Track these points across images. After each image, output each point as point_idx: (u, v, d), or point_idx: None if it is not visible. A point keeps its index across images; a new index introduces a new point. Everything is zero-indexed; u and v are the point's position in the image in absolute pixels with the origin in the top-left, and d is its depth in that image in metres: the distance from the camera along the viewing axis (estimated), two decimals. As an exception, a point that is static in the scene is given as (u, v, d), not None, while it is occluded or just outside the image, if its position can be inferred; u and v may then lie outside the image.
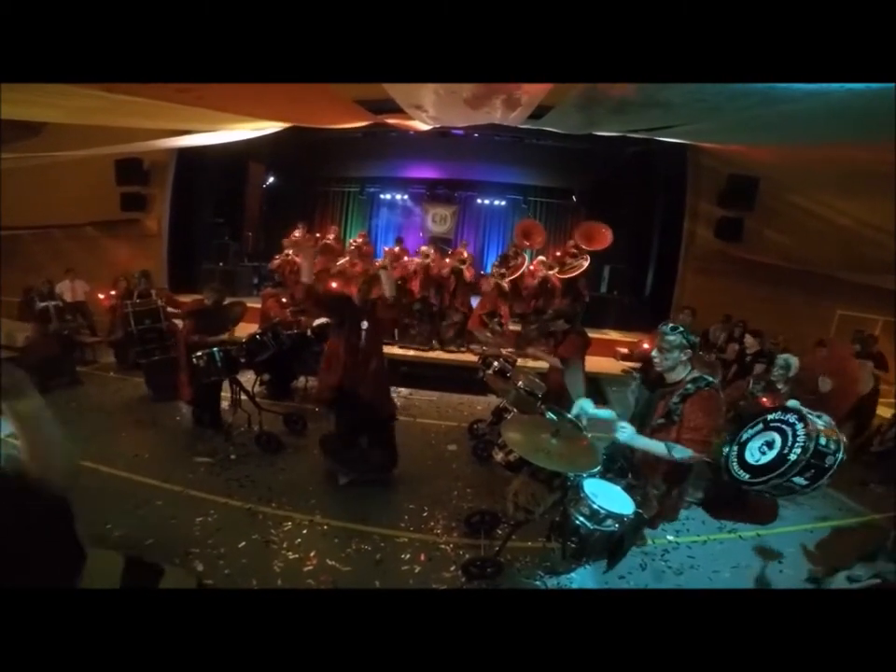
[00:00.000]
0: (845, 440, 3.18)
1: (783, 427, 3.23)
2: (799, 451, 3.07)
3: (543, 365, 4.65)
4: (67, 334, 6.34)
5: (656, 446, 2.41)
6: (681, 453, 2.35)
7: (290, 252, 8.44)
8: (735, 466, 3.34)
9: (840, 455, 3.12)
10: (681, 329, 2.49)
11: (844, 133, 4.25)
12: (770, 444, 3.21)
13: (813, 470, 3.11)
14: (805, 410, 3.25)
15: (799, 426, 3.15)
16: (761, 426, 3.37)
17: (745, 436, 3.38)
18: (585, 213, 11.21)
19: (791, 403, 3.31)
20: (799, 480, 3.15)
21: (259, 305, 6.70)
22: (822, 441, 3.12)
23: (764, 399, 3.66)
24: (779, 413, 3.32)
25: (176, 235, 9.34)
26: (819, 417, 3.26)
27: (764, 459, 3.19)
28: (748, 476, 3.22)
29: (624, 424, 2.48)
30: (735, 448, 3.36)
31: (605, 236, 8.17)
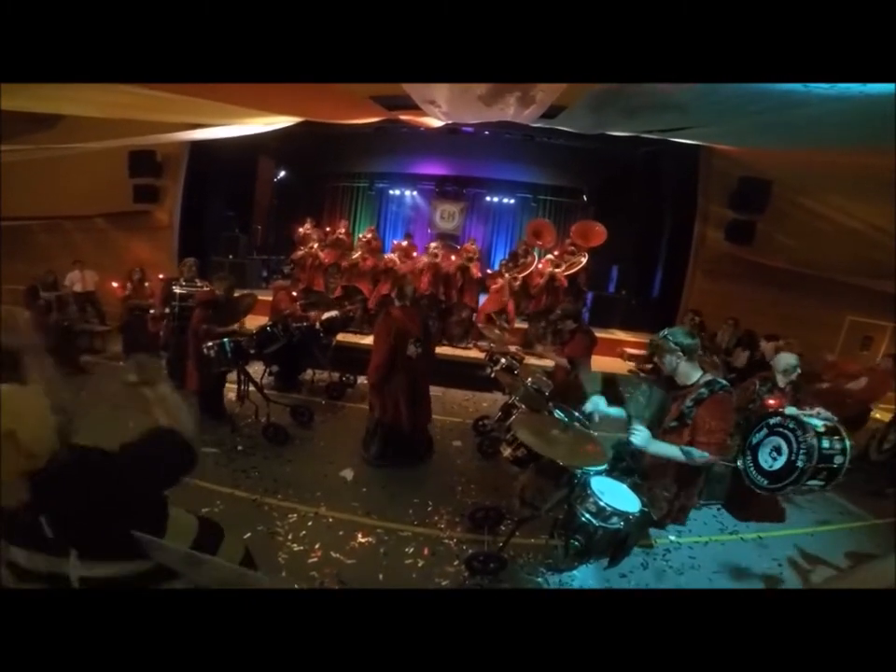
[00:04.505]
0: (846, 434, 3.17)
1: (786, 432, 3.23)
2: (805, 458, 3.07)
3: (549, 363, 4.66)
4: (67, 325, 6.39)
5: (672, 450, 2.42)
6: (698, 455, 2.36)
7: (315, 245, 8.49)
8: (753, 472, 3.35)
9: (848, 450, 3.12)
10: (667, 333, 2.53)
11: (858, 137, 4.21)
12: (778, 450, 3.22)
13: (825, 472, 3.12)
14: (802, 415, 3.25)
15: (799, 433, 3.15)
16: (765, 430, 3.37)
17: (754, 440, 3.39)
18: (595, 212, 11.16)
19: (789, 410, 3.31)
20: (814, 483, 3.16)
21: (268, 298, 6.74)
22: (825, 444, 3.11)
23: (772, 401, 3.64)
24: (779, 417, 3.32)
25: (187, 227, 9.37)
26: (816, 416, 3.26)
27: (776, 465, 3.20)
28: (766, 482, 3.24)
29: (640, 427, 2.48)
30: (749, 455, 3.37)
31: (599, 233, 8.27)
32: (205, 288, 5.61)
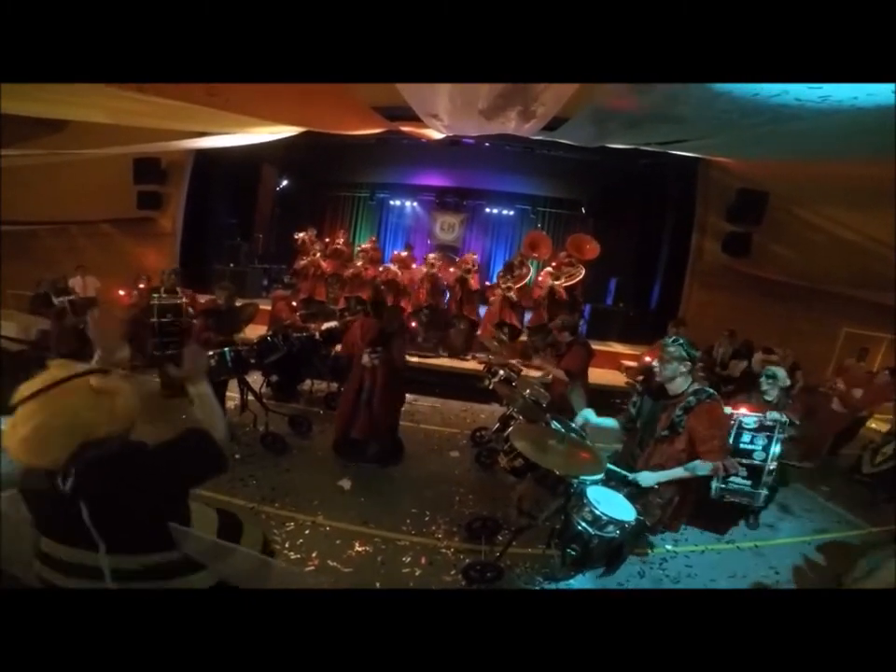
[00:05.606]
0: (777, 434, 3.16)
1: None
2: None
3: (547, 375, 4.68)
4: (83, 328, 6.38)
5: (677, 472, 2.48)
6: (703, 468, 2.41)
7: (319, 253, 8.54)
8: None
9: (772, 450, 3.11)
10: (681, 341, 2.57)
11: (849, 149, 4.28)
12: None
13: (746, 468, 3.12)
14: (739, 414, 3.27)
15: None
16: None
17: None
18: (594, 224, 11.23)
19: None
20: (739, 480, 3.14)
21: (269, 307, 6.77)
22: (744, 438, 3.15)
23: (743, 409, 3.65)
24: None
25: (190, 235, 9.44)
26: (761, 415, 3.28)
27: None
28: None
29: (646, 474, 2.55)
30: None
31: (592, 249, 8.40)
32: (184, 300, 5.52)
